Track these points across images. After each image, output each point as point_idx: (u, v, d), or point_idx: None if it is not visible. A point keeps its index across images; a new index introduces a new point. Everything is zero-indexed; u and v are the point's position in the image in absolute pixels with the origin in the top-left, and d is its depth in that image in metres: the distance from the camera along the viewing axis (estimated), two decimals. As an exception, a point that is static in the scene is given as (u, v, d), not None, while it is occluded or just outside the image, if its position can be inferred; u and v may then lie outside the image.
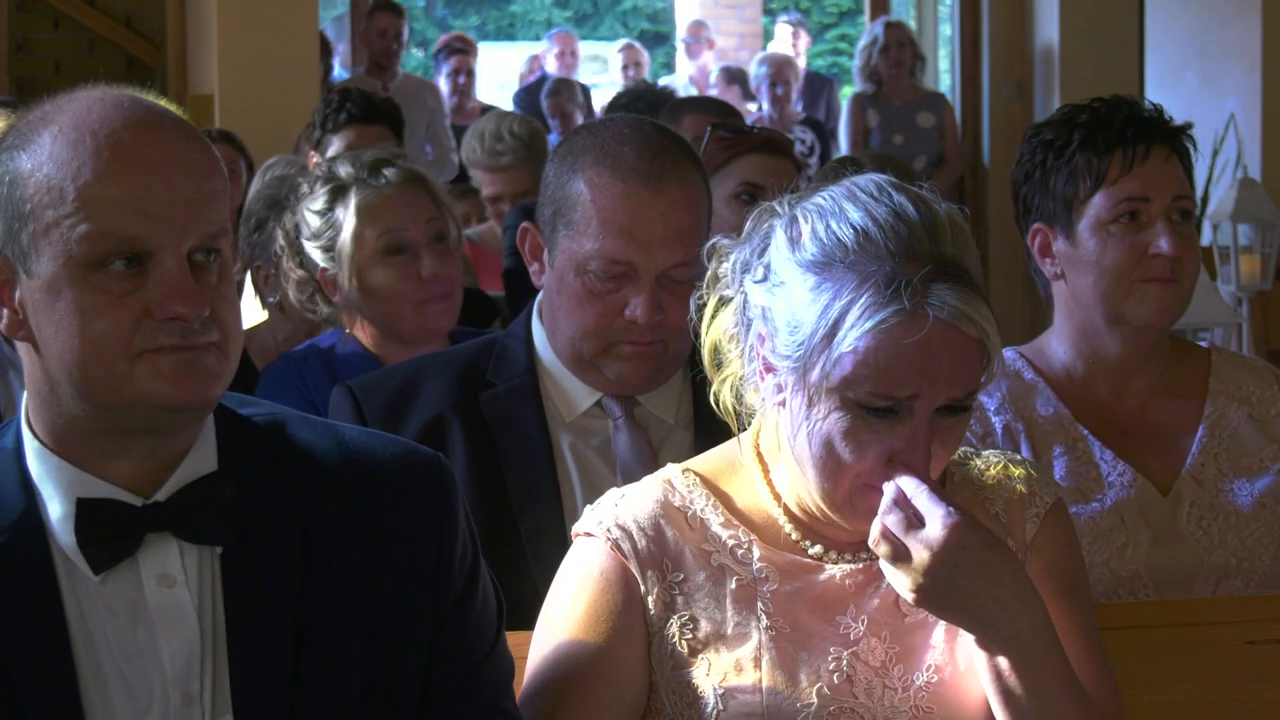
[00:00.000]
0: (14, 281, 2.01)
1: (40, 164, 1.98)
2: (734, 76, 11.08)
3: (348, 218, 3.67)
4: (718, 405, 2.39)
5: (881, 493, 2.23)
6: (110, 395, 1.99)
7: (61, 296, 1.98)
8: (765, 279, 2.27)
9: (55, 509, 2.03)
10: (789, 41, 11.85)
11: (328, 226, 3.70)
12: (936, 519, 2.18)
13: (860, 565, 2.33)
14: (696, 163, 2.92)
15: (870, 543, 2.23)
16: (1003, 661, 2.23)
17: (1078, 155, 3.05)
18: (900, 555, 2.20)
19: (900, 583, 2.21)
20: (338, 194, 3.70)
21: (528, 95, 10.62)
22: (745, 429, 2.39)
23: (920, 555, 2.18)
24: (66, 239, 1.96)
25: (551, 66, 11.33)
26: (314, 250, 3.72)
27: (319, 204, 3.72)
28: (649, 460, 2.86)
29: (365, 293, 3.70)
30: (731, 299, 2.34)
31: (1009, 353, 3.17)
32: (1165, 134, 3.07)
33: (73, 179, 1.96)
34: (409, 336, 3.69)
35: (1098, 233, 3.04)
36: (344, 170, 3.72)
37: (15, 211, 1.99)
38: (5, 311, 2.02)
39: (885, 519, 2.20)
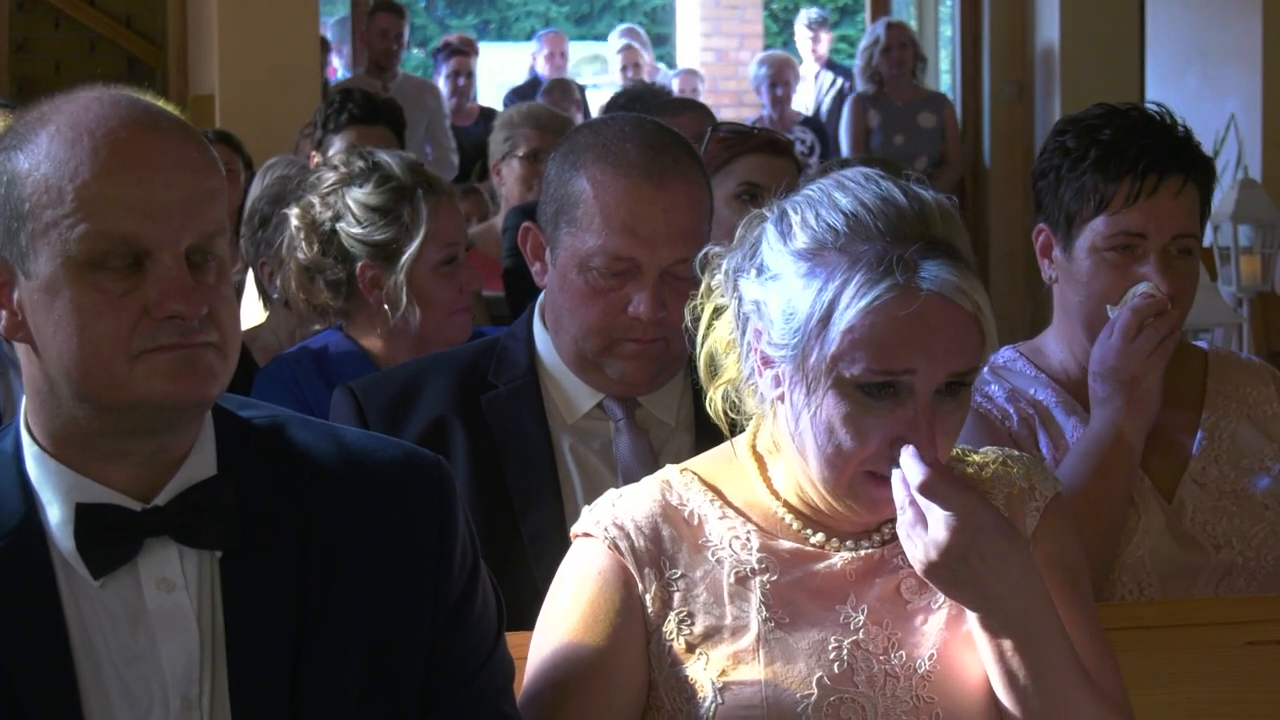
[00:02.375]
0: (12, 283, 2.01)
1: (38, 164, 1.97)
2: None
3: (418, 225, 3.67)
4: (713, 413, 2.40)
5: (883, 480, 2.24)
6: (109, 396, 1.98)
7: (60, 297, 1.97)
8: (759, 275, 2.29)
9: (55, 514, 2.03)
10: (809, 46, 11.82)
11: (389, 225, 3.68)
12: (960, 504, 2.19)
13: (861, 554, 2.33)
14: (698, 160, 2.93)
15: (896, 501, 2.23)
16: (1007, 643, 2.24)
17: (1088, 174, 3.03)
18: (920, 524, 2.21)
19: (914, 553, 2.22)
20: (401, 195, 3.69)
21: (519, 98, 10.61)
22: (739, 434, 2.41)
23: (938, 532, 2.19)
24: (65, 239, 1.95)
25: (541, 67, 11.33)
26: (357, 244, 3.70)
27: (378, 199, 3.69)
28: (650, 462, 2.86)
29: (416, 299, 3.69)
30: (726, 307, 2.36)
31: (1008, 351, 3.18)
32: (1183, 164, 3.03)
33: (70, 178, 1.96)
34: (436, 343, 3.68)
35: (1092, 255, 3.04)
36: (399, 169, 3.71)
37: (13, 212, 1.98)
38: (4, 313, 2.02)
39: (914, 490, 2.21)
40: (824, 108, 10.51)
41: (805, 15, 12.11)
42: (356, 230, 3.71)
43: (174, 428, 2.04)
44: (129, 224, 1.96)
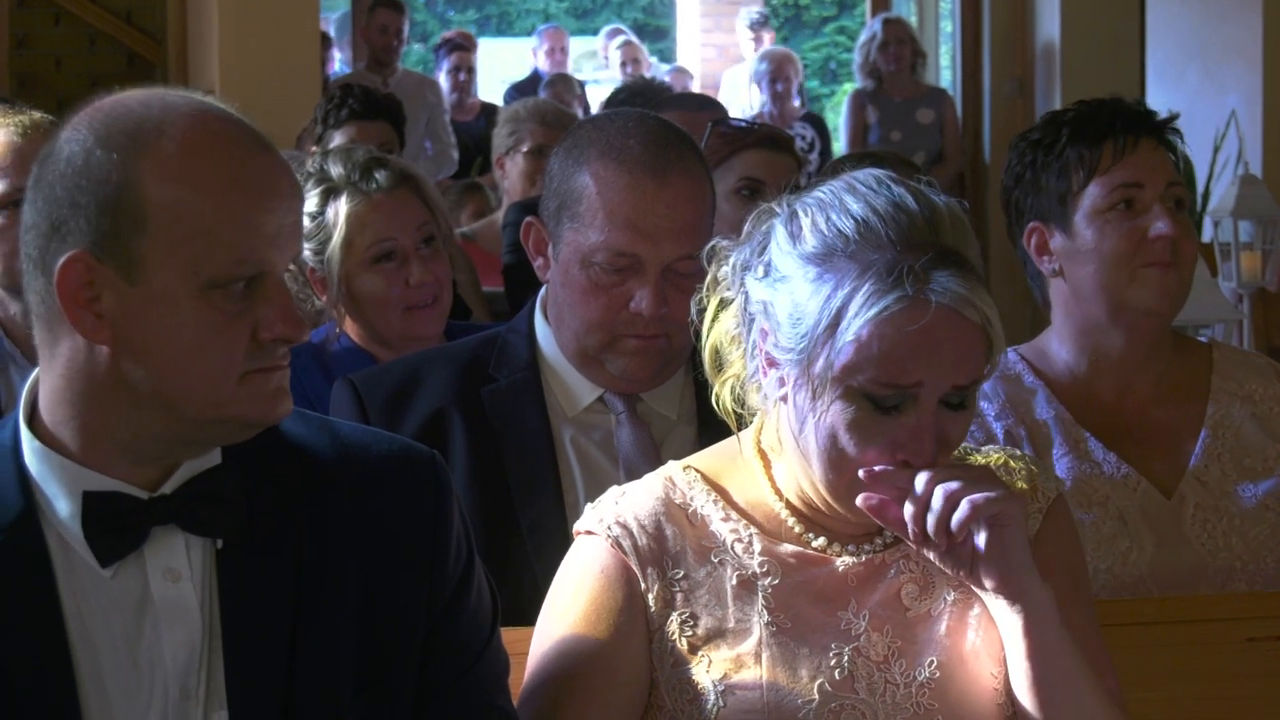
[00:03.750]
0: (102, 283, 1.98)
1: (168, 179, 1.96)
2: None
3: (337, 224, 3.67)
4: (718, 406, 2.40)
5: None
6: (204, 411, 1.99)
7: (175, 311, 1.97)
8: (766, 275, 2.28)
9: (62, 506, 2.03)
10: (750, 47, 11.80)
11: (318, 229, 3.70)
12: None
13: (863, 558, 2.33)
14: (700, 156, 2.93)
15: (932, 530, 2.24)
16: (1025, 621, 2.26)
17: (1068, 149, 3.05)
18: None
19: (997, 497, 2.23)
20: (328, 196, 3.70)
21: (519, 93, 10.61)
22: (745, 429, 2.40)
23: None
24: (197, 258, 1.96)
25: (542, 63, 11.33)
26: (304, 249, 3.72)
27: (311, 204, 3.71)
28: (651, 455, 2.86)
29: (353, 298, 3.71)
30: (732, 300, 2.35)
31: (1009, 353, 3.16)
32: (1152, 127, 3.08)
33: (212, 198, 1.96)
34: (395, 342, 3.70)
35: (1094, 221, 3.04)
36: (335, 171, 3.72)
37: (128, 219, 1.96)
38: (87, 315, 1.99)
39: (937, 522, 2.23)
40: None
41: (746, 15, 12.10)
42: None
43: (239, 441, 2.06)
44: (261, 249, 1.98)
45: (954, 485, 2.21)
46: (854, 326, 2.19)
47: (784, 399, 2.29)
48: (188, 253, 1.96)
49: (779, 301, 2.26)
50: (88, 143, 1.98)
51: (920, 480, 2.22)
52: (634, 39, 12.41)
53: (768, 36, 11.94)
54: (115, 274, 1.97)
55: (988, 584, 2.26)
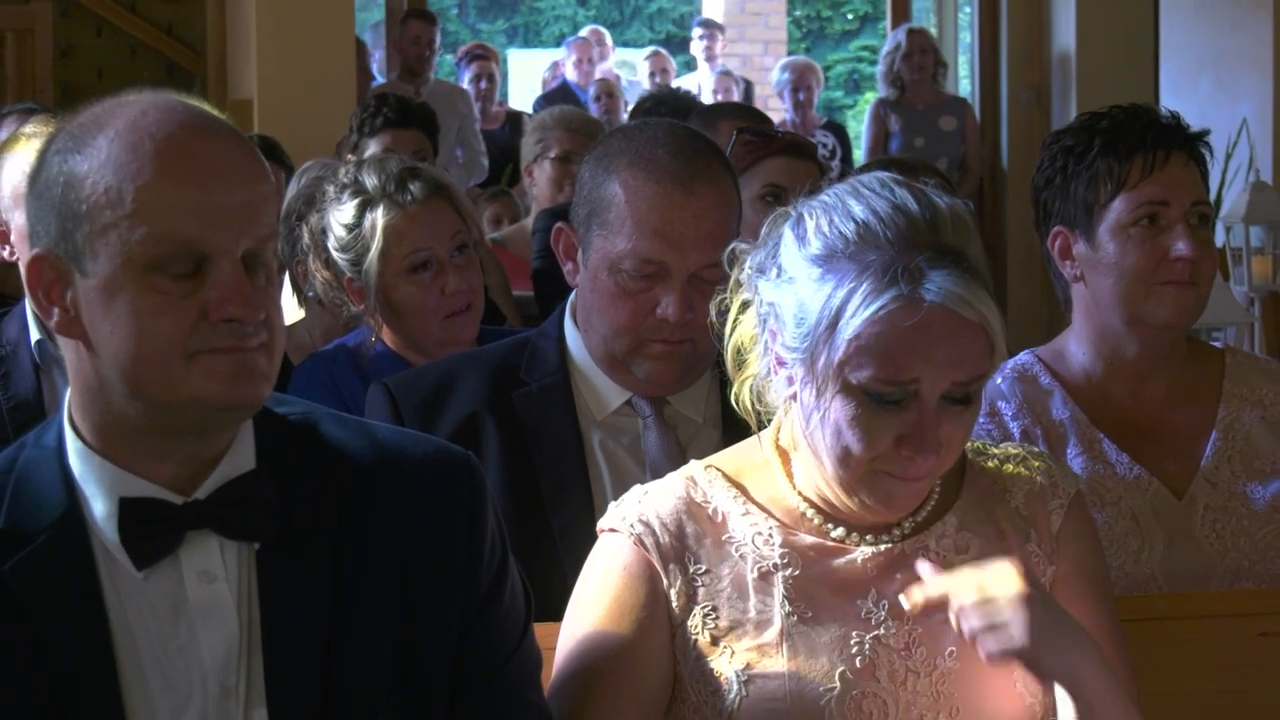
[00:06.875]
0: (66, 281, 2.02)
1: (97, 166, 1.99)
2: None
3: (375, 237, 3.69)
4: (738, 405, 2.43)
5: (895, 478, 2.28)
6: (163, 394, 2.00)
7: (118, 297, 1.99)
8: (777, 276, 2.32)
9: (99, 507, 2.06)
10: (701, 54, 11.76)
11: (355, 241, 3.72)
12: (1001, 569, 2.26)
13: (882, 548, 2.36)
14: (728, 166, 2.96)
15: (965, 628, 2.26)
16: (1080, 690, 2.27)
17: (1099, 160, 3.07)
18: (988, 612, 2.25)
19: (1009, 636, 2.23)
20: (364, 208, 3.72)
21: (548, 104, 10.63)
22: (765, 428, 2.43)
23: (1007, 588, 2.24)
24: (126, 241, 1.97)
25: (571, 74, 11.35)
26: (340, 259, 3.76)
27: (347, 216, 3.73)
28: (678, 458, 2.87)
29: (391, 307, 3.74)
30: (752, 302, 2.38)
31: (1025, 356, 3.19)
32: (1183, 140, 3.09)
33: (132, 181, 1.97)
34: (431, 348, 3.72)
35: (1117, 236, 3.06)
36: (370, 182, 3.73)
37: (70, 212, 2.00)
38: (56, 310, 2.03)
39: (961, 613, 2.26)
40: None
41: (697, 21, 12.07)
42: (334, 246, 3.76)
43: (223, 428, 2.07)
44: (191, 228, 1.98)
45: (971, 627, 2.25)
46: (852, 325, 2.22)
47: (793, 397, 2.32)
48: (116, 236, 1.98)
49: (785, 302, 2.29)
50: (47, 149, 2.05)
51: (951, 617, 2.26)
52: (664, 50, 12.41)
53: (719, 45, 11.94)
54: (72, 269, 2.02)
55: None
